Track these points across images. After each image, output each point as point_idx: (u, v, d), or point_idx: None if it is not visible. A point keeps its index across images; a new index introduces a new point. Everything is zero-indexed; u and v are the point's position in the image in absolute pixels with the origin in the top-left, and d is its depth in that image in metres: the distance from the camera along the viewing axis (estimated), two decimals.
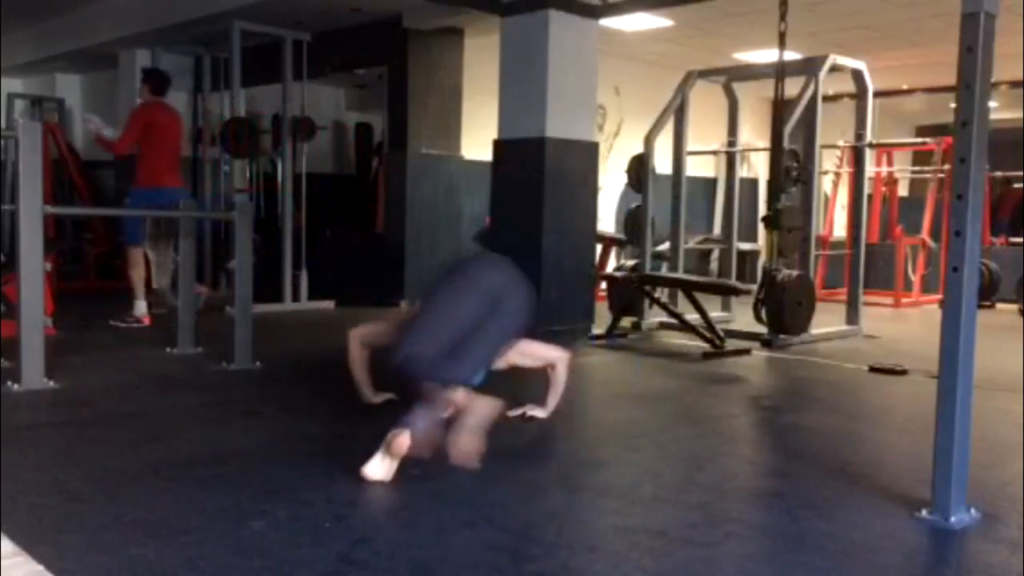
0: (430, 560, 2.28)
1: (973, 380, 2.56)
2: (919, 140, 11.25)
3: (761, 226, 8.15)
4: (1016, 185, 11.65)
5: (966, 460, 2.57)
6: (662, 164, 7.30)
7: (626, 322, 6.73)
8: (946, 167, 9.02)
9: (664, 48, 9.75)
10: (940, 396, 2.55)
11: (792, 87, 6.16)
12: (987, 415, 3.83)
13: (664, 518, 2.66)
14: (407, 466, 2.90)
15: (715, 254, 10.38)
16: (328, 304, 7.93)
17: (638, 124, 8.58)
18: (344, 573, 2.17)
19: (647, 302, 6.75)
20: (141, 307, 6.51)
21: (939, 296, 8.01)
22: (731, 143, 7.79)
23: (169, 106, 6.92)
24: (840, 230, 10.14)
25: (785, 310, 6.08)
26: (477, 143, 8.25)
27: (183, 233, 5.31)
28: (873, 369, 5.28)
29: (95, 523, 2.45)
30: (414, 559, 2.28)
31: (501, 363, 3.68)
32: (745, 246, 9.98)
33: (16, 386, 4.13)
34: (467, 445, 2.98)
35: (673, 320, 6.38)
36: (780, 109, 6.01)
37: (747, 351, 5.90)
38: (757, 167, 11.64)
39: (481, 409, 3.08)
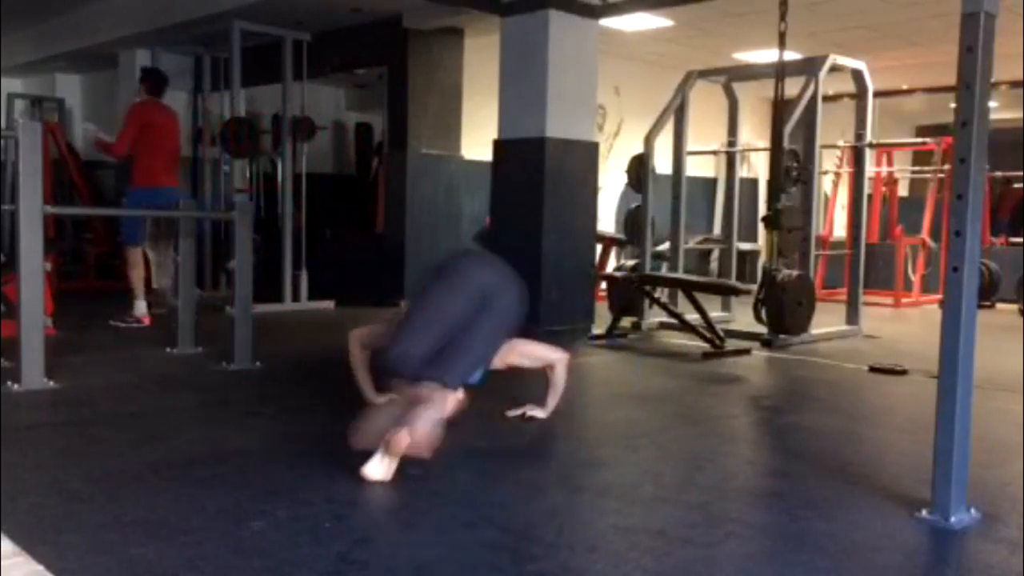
0: (430, 560, 2.28)
1: (973, 380, 2.56)
2: (919, 140, 11.25)
3: (761, 226, 8.15)
4: (1016, 185, 11.65)
5: (966, 460, 2.57)
6: (662, 164, 7.30)
7: (626, 322, 6.73)
8: (946, 167, 9.02)
9: (664, 48, 9.75)
10: (940, 396, 2.55)
11: (792, 87, 6.16)
12: (987, 415, 3.83)
13: (664, 518, 2.66)
14: (407, 466, 2.90)
15: (715, 254, 10.38)
16: (328, 304, 7.93)
17: (638, 124, 8.58)
18: (344, 573, 2.17)
19: (647, 302, 6.75)
20: (141, 307, 6.51)
21: (939, 296, 8.01)
22: (731, 143, 7.78)
23: (166, 106, 6.92)
24: (840, 230, 10.14)
25: (785, 310, 6.08)
26: (477, 143, 8.25)
27: (183, 233, 5.31)
28: (873, 369, 5.28)
29: (95, 523, 2.45)
30: (414, 559, 2.28)
31: (499, 364, 3.68)
32: (745, 246, 9.98)
33: (16, 386, 4.13)
34: (422, 436, 2.91)
35: (673, 320, 6.38)
36: (780, 109, 6.01)
37: (747, 351, 5.90)
38: (757, 167, 11.64)
39: (444, 403, 3.06)
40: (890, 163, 10.45)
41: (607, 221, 10.14)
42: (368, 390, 3.82)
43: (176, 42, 9.20)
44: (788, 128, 6.17)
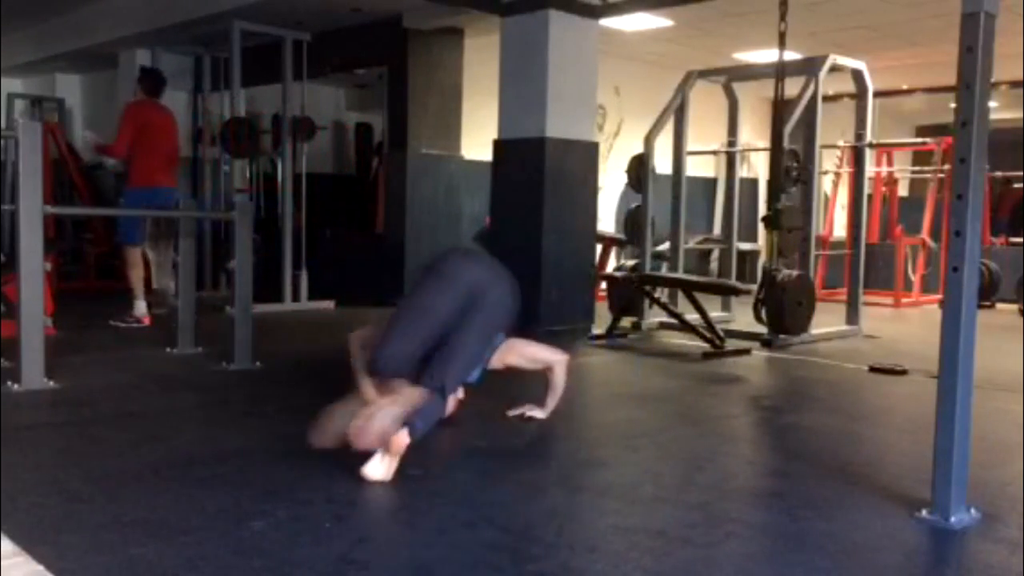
0: (430, 560, 2.28)
1: (973, 380, 2.56)
2: (919, 140, 11.24)
3: (761, 226, 8.15)
4: (1016, 185, 11.65)
5: (966, 460, 2.57)
6: (662, 164, 7.30)
7: (626, 322, 6.73)
8: (946, 167, 9.02)
9: (664, 48, 9.75)
10: (940, 396, 2.55)
11: (792, 87, 6.16)
12: (987, 415, 3.83)
13: (664, 518, 2.66)
14: (407, 466, 2.90)
15: (715, 254, 10.38)
16: (328, 304, 7.93)
17: (638, 124, 8.58)
18: (344, 573, 2.17)
19: (647, 302, 6.75)
20: (141, 307, 6.51)
21: (939, 296, 8.01)
22: (731, 143, 7.78)
23: (162, 106, 6.91)
24: (840, 230, 10.14)
25: (785, 310, 6.08)
26: (477, 143, 8.25)
27: (183, 233, 5.31)
28: (873, 369, 5.28)
29: (95, 523, 2.45)
30: (414, 559, 2.29)
31: (498, 364, 3.67)
32: (745, 246, 9.98)
33: (16, 386, 4.13)
34: (377, 431, 2.89)
35: (673, 320, 6.38)
36: (780, 109, 6.01)
37: (747, 351, 5.90)
38: (757, 167, 11.64)
39: (410, 400, 3.03)
40: (890, 163, 10.45)
41: (607, 221, 10.14)
42: (369, 392, 3.82)
43: (176, 42, 9.20)
44: (788, 128, 6.16)
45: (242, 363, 4.89)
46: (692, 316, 6.17)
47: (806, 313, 6.24)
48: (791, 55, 6.29)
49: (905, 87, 11.74)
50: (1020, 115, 11.93)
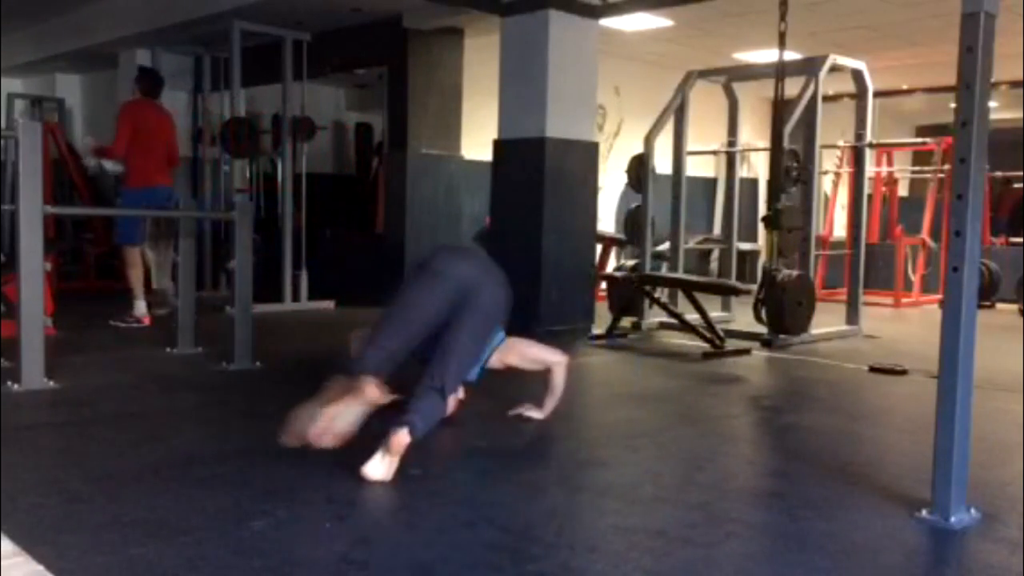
0: (430, 560, 2.28)
1: (973, 380, 2.56)
2: (919, 140, 11.24)
3: (761, 226, 8.15)
4: (1016, 185, 11.65)
5: (966, 460, 2.57)
6: (662, 164, 7.30)
7: (626, 322, 6.73)
8: (946, 167, 9.02)
9: (664, 48, 9.75)
10: (940, 396, 2.55)
11: (792, 87, 6.16)
12: (987, 415, 3.83)
13: (664, 518, 2.66)
14: (407, 466, 2.90)
15: (715, 254, 10.38)
16: (328, 304, 7.93)
17: (638, 124, 8.58)
18: (344, 573, 2.17)
19: (647, 302, 6.75)
20: (141, 307, 6.51)
21: (939, 296, 8.01)
22: (731, 143, 7.78)
23: (159, 105, 6.90)
24: (840, 230, 10.14)
25: (785, 310, 6.08)
26: (477, 143, 8.25)
27: (183, 233, 5.31)
28: (873, 369, 5.28)
29: (95, 523, 2.45)
30: (414, 559, 2.28)
31: (498, 363, 3.67)
32: (745, 246, 9.98)
33: (16, 386, 4.13)
34: (330, 426, 2.93)
35: (673, 320, 6.38)
36: (780, 109, 6.01)
37: (747, 351, 5.90)
38: (757, 167, 11.64)
39: (371, 397, 3.03)
40: (890, 163, 10.45)
41: (607, 221, 10.14)
42: (371, 391, 3.82)
43: (176, 42, 9.20)
44: (788, 128, 6.17)
45: (242, 363, 4.89)
46: (692, 316, 6.17)
47: (806, 313, 6.24)
48: (791, 55, 6.29)
49: (905, 87, 11.75)
50: (1020, 115, 11.93)
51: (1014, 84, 10.24)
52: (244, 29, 7.70)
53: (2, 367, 4.47)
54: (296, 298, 7.87)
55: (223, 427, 3.69)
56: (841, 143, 9.62)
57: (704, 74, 7.39)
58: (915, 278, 9.56)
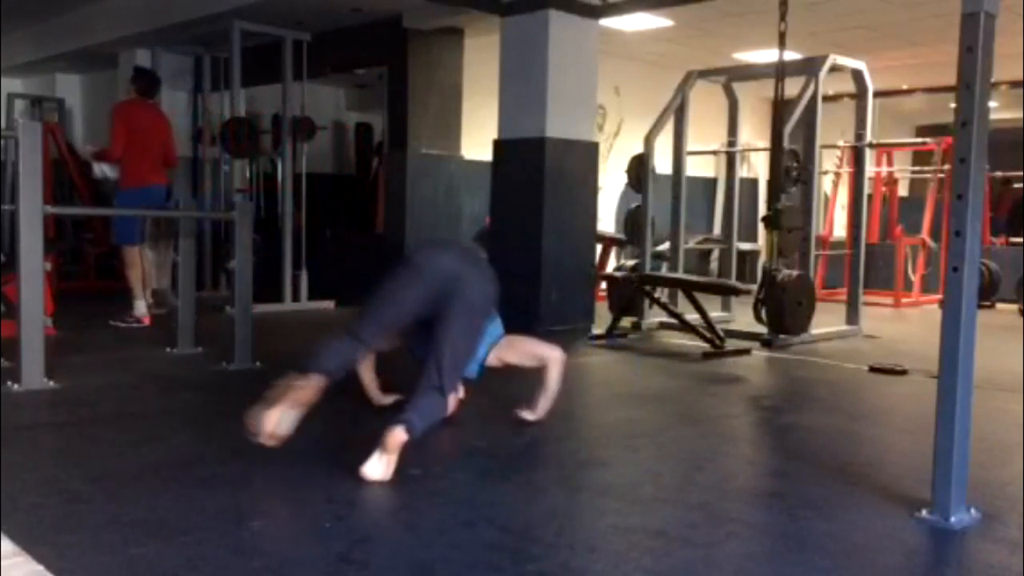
0: (430, 560, 2.28)
1: (973, 380, 2.56)
2: (919, 140, 11.24)
3: (761, 226, 8.15)
4: (1016, 185, 11.65)
5: (966, 460, 2.57)
6: (662, 164, 7.30)
7: (626, 322, 6.73)
8: (946, 167, 9.02)
9: (664, 48, 9.75)
10: (940, 396, 2.55)
11: (792, 87, 6.16)
12: (987, 415, 3.83)
13: (664, 518, 2.66)
14: (407, 466, 2.90)
15: (715, 254, 10.38)
16: (328, 304, 7.93)
17: (638, 124, 8.58)
18: (344, 573, 2.17)
19: (647, 302, 6.75)
20: (141, 307, 6.51)
21: (939, 296, 8.01)
22: (731, 143, 7.78)
23: (153, 105, 6.88)
24: (840, 230, 10.14)
25: (785, 310, 6.08)
26: (477, 143, 8.25)
27: (183, 233, 5.30)
28: (873, 369, 5.28)
29: (95, 523, 2.45)
30: (414, 559, 2.28)
31: (495, 361, 3.66)
32: (745, 246, 9.98)
33: (16, 386, 4.13)
34: (267, 428, 2.95)
35: (673, 320, 6.38)
36: (780, 109, 6.01)
37: (747, 351, 5.90)
38: (757, 167, 11.64)
39: (298, 398, 3.03)
40: (890, 163, 10.45)
41: (607, 221, 10.14)
42: (373, 392, 3.83)
43: (176, 42, 9.20)
44: (788, 128, 6.16)
45: (242, 363, 4.89)
46: (692, 316, 6.17)
47: (806, 313, 6.24)
48: (791, 55, 6.29)
49: (905, 87, 11.75)
50: (1020, 115, 11.93)
51: (1014, 84, 10.24)
52: (244, 29, 7.70)
53: (2, 367, 4.47)
54: (296, 298, 7.87)
55: (223, 427, 3.68)
56: (841, 143, 9.62)
57: (704, 74, 7.38)
58: (915, 278, 9.56)
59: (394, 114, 8.30)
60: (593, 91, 7.05)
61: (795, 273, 6.22)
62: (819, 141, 6.63)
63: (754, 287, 6.74)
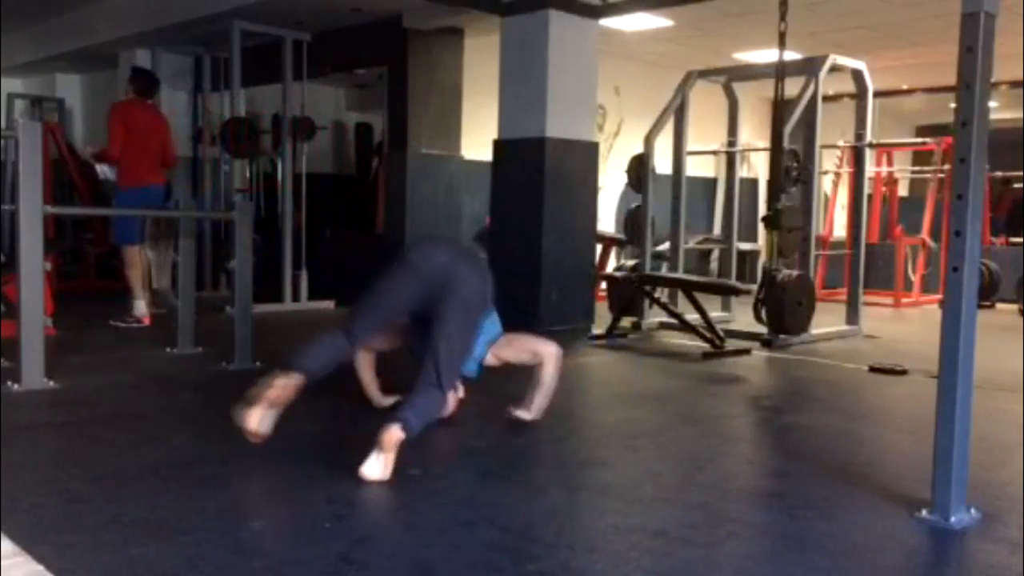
0: (430, 560, 2.28)
1: (973, 380, 2.56)
2: (919, 140, 11.25)
3: (761, 226, 8.15)
4: (1016, 185, 11.65)
5: (966, 460, 2.57)
6: (662, 164, 7.30)
7: (626, 322, 6.73)
8: (946, 167, 9.02)
9: (664, 48, 9.75)
10: (940, 396, 2.55)
11: (792, 87, 6.16)
12: (987, 415, 3.83)
13: (664, 518, 2.66)
14: (407, 466, 2.90)
15: (715, 254, 10.38)
16: (328, 304, 7.93)
17: (638, 124, 8.58)
18: (344, 573, 2.17)
19: (647, 302, 6.75)
20: (141, 307, 6.51)
21: (939, 296, 8.01)
22: (731, 143, 7.78)
23: (150, 105, 6.87)
24: (840, 230, 10.14)
25: (785, 310, 6.08)
26: (477, 143, 8.25)
27: (183, 233, 5.30)
28: (873, 369, 5.28)
29: (95, 523, 2.45)
30: (414, 559, 2.28)
31: (493, 359, 3.65)
32: (745, 246, 9.98)
33: (16, 386, 4.13)
34: (250, 426, 3.08)
35: (673, 320, 6.38)
36: (780, 109, 6.01)
37: (747, 351, 5.90)
38: (757, 167, 11.64)
39: (270, 398, 3.12)
40: (890, 163, 10.45)
41: (607, 221, 10.14)
42: (373, 393, 3.82)
43: (176, 42, 9.20)
44: (788, 128, 6.16)
45: (242, 363, 4.89)
46: (692, 316, 6.17)
47: (806, 313, 6.24)
48: (791, 55, 6.29)
49: (905, 87, 11.75)
50: (1020, 115, 11.93)
51: (1014, 84, 10.24)
52: (244, 29, 7.70)
53: (2, 367, 4.46)
54: (296, 298, 7.87)
55: (223, 427, 3.68)
56: (841, 143, 9.62)
57: (704, 74, 7.38)
58: (915, 278, 9.56)
59: (394, 114, 8.30)
60: (593, 91, 7.05)
61: (795, 273, 6.22)
62: (819, 141, 6.63)
63: (754, 287, 6.74)
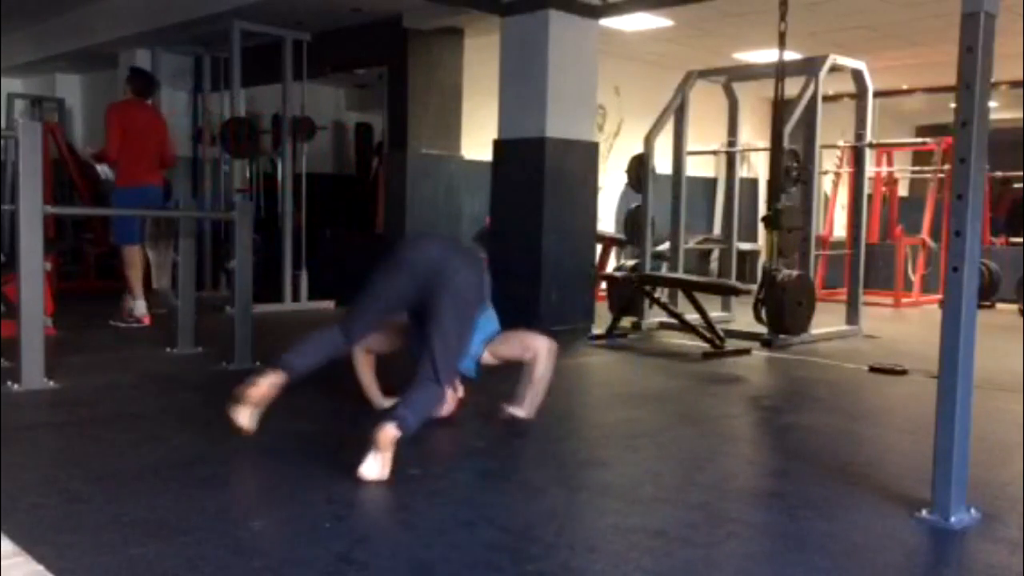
0: (430, 560, 2.28)
1: (973, 380, 2.56)
2: (919, 140, 11.25)
3: (761, 226, 8.15)
4: (1016, 185, 11.65)
5: (966, 460, 2.57)
6: (662, 164, 7.30)
7: (626, 322, 6.73)
8: (946, 167, 9.02)
9: (664, 48, 9.75)
10: (940, 396, 2.55)
11: (792, 87, 6.16)
12: (987, 415, 3.83)
13: (664, 518, 2.66)
14: (407, 466, 2.90)
15: (715, 254, 10.38)
16: (328, 304, 7.92)
17: (638, 124, 8.58)
18: (344, 573, 2.17)
19: (647, 302, 6.75)
20: (141, 307, 6.50)
21: (939, 296, 8.01)
22: (731, 143, 7.78)
23: (147, 105, 6.86)
24: (840, 230, 10.14)
25: (785, 310, 6.08)
26: (477, 143, 8.25)
27: (183, 233, 5.30)
28: (873, 369, 5.28)
29: (95, 523, 2.45)
30: (414, 559, 2.28)
31: (491, 358, 3.62)
32: (745, 246, 9.98)
33: (16, 386, 4.13)
34: (240, 421, 3.25)
35: (673, 320, 6.38)
36: (780, 109, 6.01)
37: (747, 351, 5.90)
38: (757, 167, 11.64)
39: (249, 397, 3.27)
40: (890, 163, 10.45)
41: (607, 221, 10.14)
42: (373, 394, 3.82)
43: (176, 42, 9.20)
44: (788, 128, 6.16)
45: (242, 363, 4.88)
46: (692, 316, 6.17)
47: (806, 313, 6.24)
48: (791, 55, 6.28)
49: (905, 87, 11.74)
50: (1020, 115, 11.93)
51: (1014, 84, 10.23)
52: (244, 29, 7.70)
53: (2, 367, 4.46)
54: (296, 298, 7.87)
55: (223, 427, 3.68)
56: (841, 143, 9.62)
57: (704, 74, 7.39)
58: (915, 278, 9.56)
59: (394, 114, 8.30)
60: (593, 91, 7.04)
61: (795, 273, 6.22)
62: (819, 141, 6.64)
63: (754, 287, 6.74)
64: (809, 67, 6.61)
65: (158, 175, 6.75)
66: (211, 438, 3.47)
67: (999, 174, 10.72)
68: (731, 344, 5.95)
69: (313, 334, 3.35)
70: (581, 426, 4.01)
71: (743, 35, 9.07)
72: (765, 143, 7.59)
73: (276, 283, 7.79)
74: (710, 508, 2.75)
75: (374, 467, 2.83)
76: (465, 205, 8.59)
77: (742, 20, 8.40)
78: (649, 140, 7.12)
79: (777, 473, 3.32)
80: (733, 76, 7.72)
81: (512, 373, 3.74)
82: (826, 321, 6.81)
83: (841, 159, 10.44)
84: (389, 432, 2.84)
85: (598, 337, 6.39)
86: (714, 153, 9.20)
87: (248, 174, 9.49)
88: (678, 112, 7.17)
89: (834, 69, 6.69)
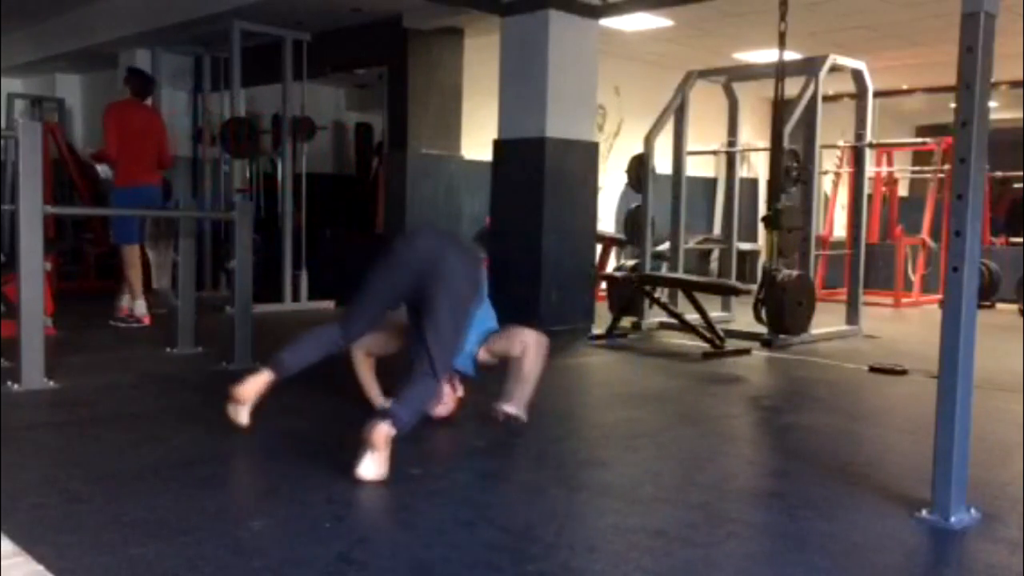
0: (430, 560, 2.28)
1: (973, 380, 2.56)
2: (919, 140, 11.25)
3: (761, 226, 8.15)
4: (1016, 185, 11.65)
5: (966, 460, 2.57)
6: (662, 164, 7.30)
7: (626, 322, 6.73)
8: (946, 167, 9.02)
9: (664, 48, 9.75)
10: (940, 396, 2.55)
11: (792, 87, 6.16)
12: (987, 415, 3.83)
13: (664, 518, 2.66)
14: (407, 466, 2.90)
15: (715, 254, 10.38)
16: (328, 304, 7.92)
17: (638, 124, 8.58)
18: (344, 573, 2.17)
19: (647, 302, 6.75)
20: (141, 307, 6.50)
21: (939, 296, 8.01)
22: (731, 143, 7.78)
23: (145, 105, 6.86)
24: (840, 230, 10.14)
25: (785, 310, 6.08)
26: (477, 143, 8.26)
27: (183, 233, 5.30)
28: (873, 369, 5.28)
29: (95, 523, 2.45)
30: (414, 559, 2.28)
31: (488, 357, 3.61)
32: (745, 246, 9.98)
33: (16, 386, 4.13)
34: (237, 419, 3.35)
35: (673, 320, 6.38)
36: (780, 109, 6.01)
37: (747, 351, 5.90)
38: (757, 167, 11.64)
39: (238, 396, 3.36)
40: (890, 163, 10.45)
41: (607, 221, 10.14)
42: (373, 394, 3.82)
43: (176, 42, 9.20)
44: (788, 128, 6.16)
45: (242, 363, 4.87)
46: (692, 316, 6.17)
47: (806, 313, 6.24)
48: (791, 55, 6.28)
49: (905, 87, 11.75)
50: (1020, 115, 11.93)
51: (1014, 84, 10.24)
52: (244, 29, 7.71)
53: (2, 367, 4.46)
54: (296, 298, 7.87)
55: (223, 427, 3.68)
56: (841, 143, 9.62)
57: (704, 74, 7.39)
58: (915, 278, 9.56)
59: (394, 114, 8.30)
60: (593, 91, 7.05)
61: (795, 273, 6.22)
62: (819, 141, 6.64)
63: (754, 287, 6.74)
64: (809, 67, 6.61)
65: (156, 175, 6.75)
66: (211, 438, 3.47)
67: (999, 174, 10.72)
68: (731, 344, 5.95)
69: (311, 331, 3.37)
70: (581, 426, 4.01)
71: (743, 35, 9.07)
72: (765, 143, 7.59)
73: (276, 283, 7.79)
74: (710, 508, 2.75)
75: (370, 467, 2.83)
76: (465, 205, 8.59)
77: (742, 20, 8.40)
78: (649, 140, 7.12)
79: (777, 473, 3.32)
80: (733, 76, 7.72)
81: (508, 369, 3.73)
82: (826, 321, 6.81)
83: (841, 159, 10.44)
84: (382, 430, 2.83)
85: (598, 337, 6.39)
86: (714, 153, 9.20)
87: (248, 174, 9.49)
88: (678, 112, 7.17)
89: (834, 69, 6.69)
